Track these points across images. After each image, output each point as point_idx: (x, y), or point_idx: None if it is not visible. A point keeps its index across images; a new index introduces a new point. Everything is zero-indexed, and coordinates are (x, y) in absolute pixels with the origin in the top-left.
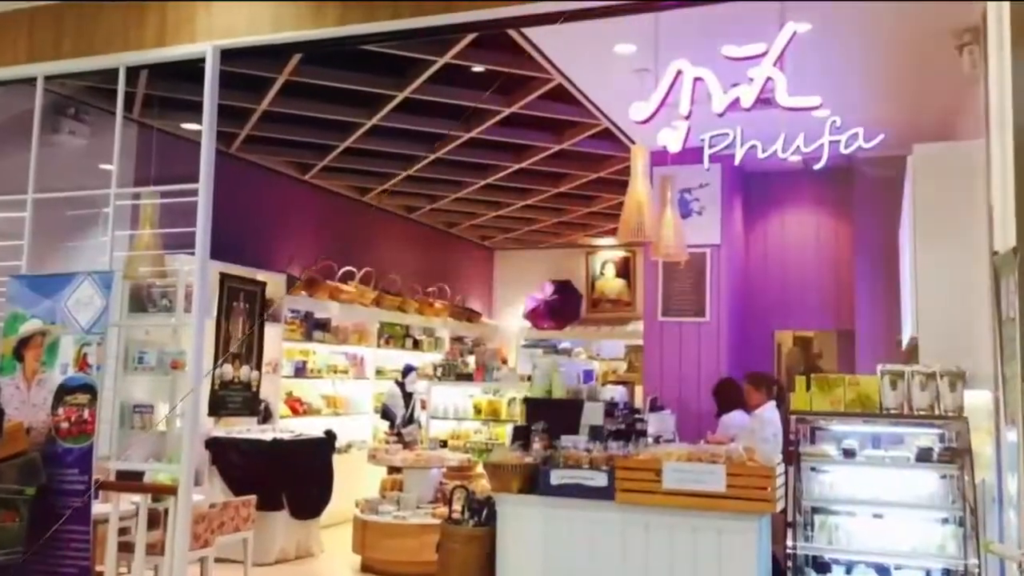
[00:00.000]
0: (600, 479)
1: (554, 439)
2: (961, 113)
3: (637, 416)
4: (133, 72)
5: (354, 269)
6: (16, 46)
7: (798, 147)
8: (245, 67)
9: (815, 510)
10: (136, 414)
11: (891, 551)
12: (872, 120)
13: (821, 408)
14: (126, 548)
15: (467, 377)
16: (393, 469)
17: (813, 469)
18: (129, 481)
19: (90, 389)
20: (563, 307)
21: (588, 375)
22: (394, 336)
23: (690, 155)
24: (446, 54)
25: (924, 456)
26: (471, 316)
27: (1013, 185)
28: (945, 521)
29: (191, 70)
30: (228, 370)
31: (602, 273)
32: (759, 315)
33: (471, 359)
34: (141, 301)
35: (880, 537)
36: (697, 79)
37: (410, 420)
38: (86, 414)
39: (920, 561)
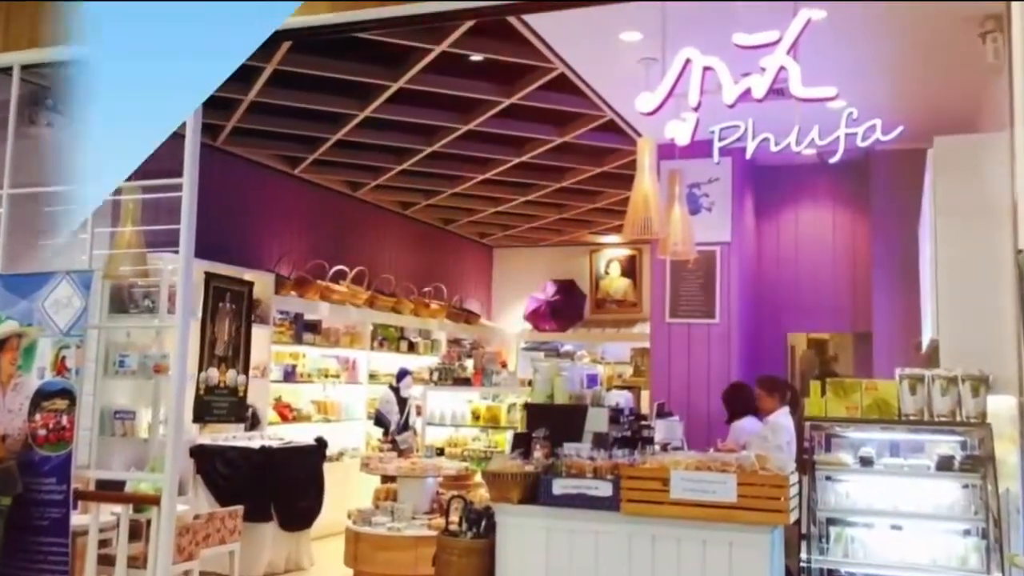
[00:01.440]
0: (604, 489)
1: (556, 447)
2: (984, 104)
3: (643, 422)
4: None
5: (346, 268)
6: None
7: (813, 140)
8: None
9: (830, 521)
10: (117, 420)
11: (910, 564)
12: (890, 111)
13: (837, 414)
14: (107, 561)
15: (465, 381)
16: (387, 478)
17: (828, 478)
18: (110, 491)
19: (68, 394)
20: (565, 308)
21: (592, 379)
22: (388, 338)
23: (699, 148)
24: (442, 42)
25: (945, 464)
26: (469, 317)
27: None
28: (967, 533)
29: None
30: (214, 374)
31: (607, 272)
32: (772, 316)
33: (469, 363)
34: (122, 302)
35: (899, 550)
36: (707, 68)
37: (405, 427)
38: (64, 420)
39: (940, 575)
